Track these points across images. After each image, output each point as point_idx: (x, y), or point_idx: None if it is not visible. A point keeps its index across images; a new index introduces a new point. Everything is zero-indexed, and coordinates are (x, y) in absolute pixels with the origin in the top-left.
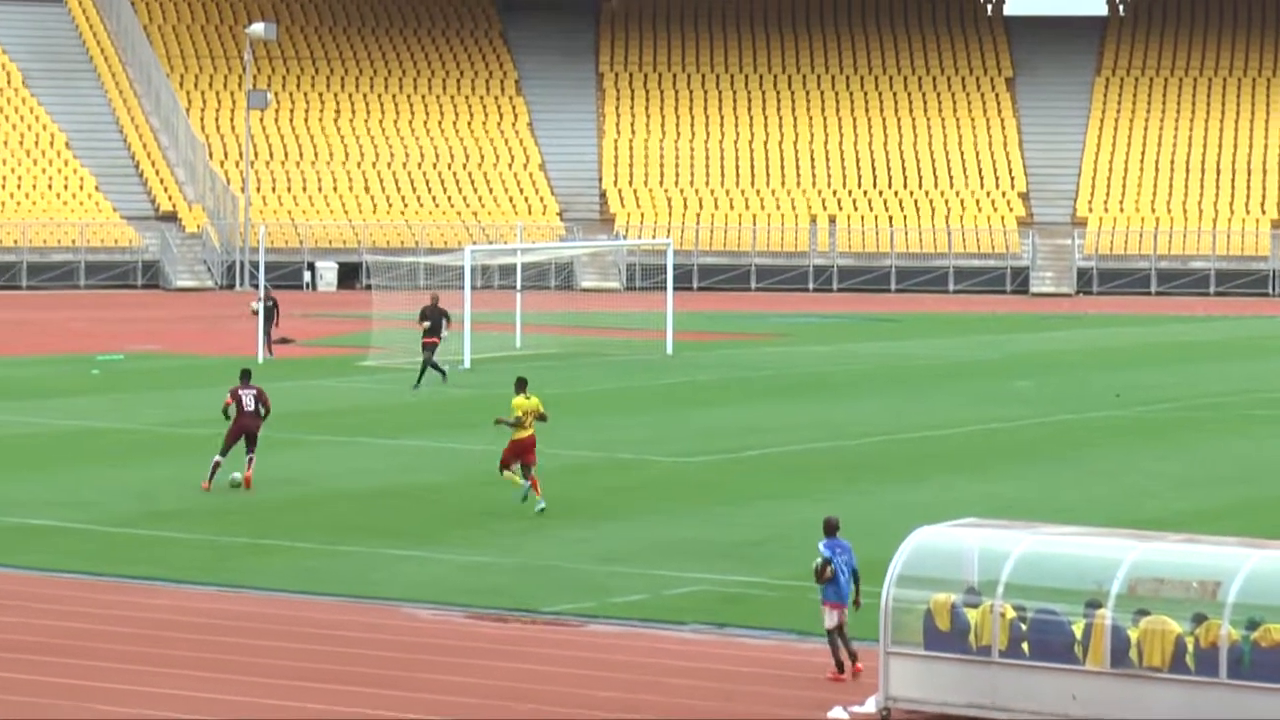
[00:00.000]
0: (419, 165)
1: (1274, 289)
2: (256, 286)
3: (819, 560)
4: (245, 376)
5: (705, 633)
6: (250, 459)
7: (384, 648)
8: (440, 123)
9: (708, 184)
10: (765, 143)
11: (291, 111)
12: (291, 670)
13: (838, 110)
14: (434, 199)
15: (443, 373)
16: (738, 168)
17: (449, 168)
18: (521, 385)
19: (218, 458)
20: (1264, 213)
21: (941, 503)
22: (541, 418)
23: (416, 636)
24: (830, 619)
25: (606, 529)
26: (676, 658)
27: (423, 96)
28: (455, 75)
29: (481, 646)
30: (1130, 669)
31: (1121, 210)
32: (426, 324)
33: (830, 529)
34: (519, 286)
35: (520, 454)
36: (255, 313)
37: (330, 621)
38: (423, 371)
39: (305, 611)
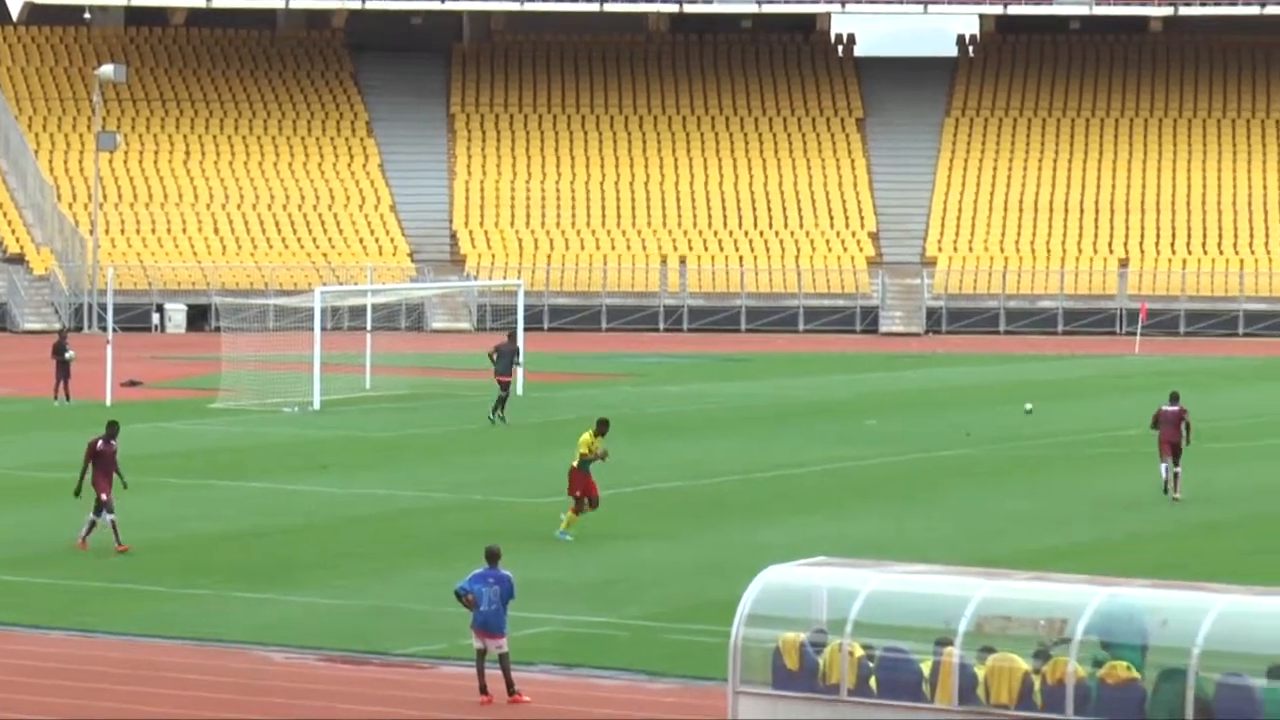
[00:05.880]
0: (269, 206)
1: (1121, 328)
2: (104, 329)
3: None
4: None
5: (555, 673)
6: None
7: (235, 690)
8: (290, 164)
9: (558, 224)
10: (616, 183)
11: (141, 153)
12: (144, 715)
13: (688, 150)
14: (284, 240)
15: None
16: (588, 208)
17: (299, 209)
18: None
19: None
20: (1111, 252)
21: (793, 542)
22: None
23: (268, 679)
24: (476, 643)
25: (458, 570)
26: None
27: (273, 138)
28: (306, 117)
29: (334, 689)
30: (978, 706)
31: (970, 250)
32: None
33: (490, 558)
34: (369, 328)
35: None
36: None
37: (182, 665)
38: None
39: (157, 655)
